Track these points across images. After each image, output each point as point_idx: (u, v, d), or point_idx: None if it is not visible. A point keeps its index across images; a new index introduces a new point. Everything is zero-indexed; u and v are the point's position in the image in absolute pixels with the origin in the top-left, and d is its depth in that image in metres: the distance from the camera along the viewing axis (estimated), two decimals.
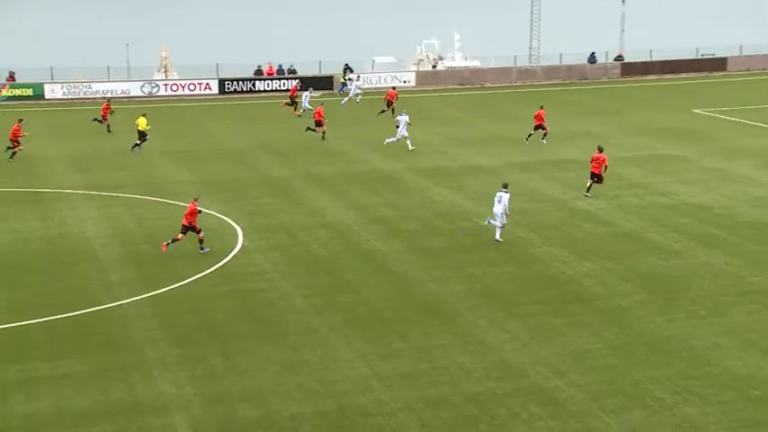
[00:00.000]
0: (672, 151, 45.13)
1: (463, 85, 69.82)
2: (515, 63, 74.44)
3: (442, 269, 28.11)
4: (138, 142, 46.44)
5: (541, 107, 47.76)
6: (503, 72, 73.18)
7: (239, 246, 30.61)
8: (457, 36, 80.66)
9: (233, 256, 29.48)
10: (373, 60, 73.84)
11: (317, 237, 31.63)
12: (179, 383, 20.64)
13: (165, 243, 29.51)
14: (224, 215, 34.31)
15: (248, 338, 23.03)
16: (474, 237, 31.53)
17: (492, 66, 75.82)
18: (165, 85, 66.69)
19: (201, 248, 29.51)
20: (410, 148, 45.42)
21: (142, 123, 46.42)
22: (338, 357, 21.96)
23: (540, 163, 42.92)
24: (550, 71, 73.66)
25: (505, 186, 30.61)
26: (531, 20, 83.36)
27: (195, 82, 66.67)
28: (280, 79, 67.96)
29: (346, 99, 62.66)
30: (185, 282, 27.07)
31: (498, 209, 30.30)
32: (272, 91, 67.29)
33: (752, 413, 19.04)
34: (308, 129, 49.22)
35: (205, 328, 23.66)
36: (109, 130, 50.84)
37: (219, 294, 26.12)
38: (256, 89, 67.37)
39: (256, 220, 33.72)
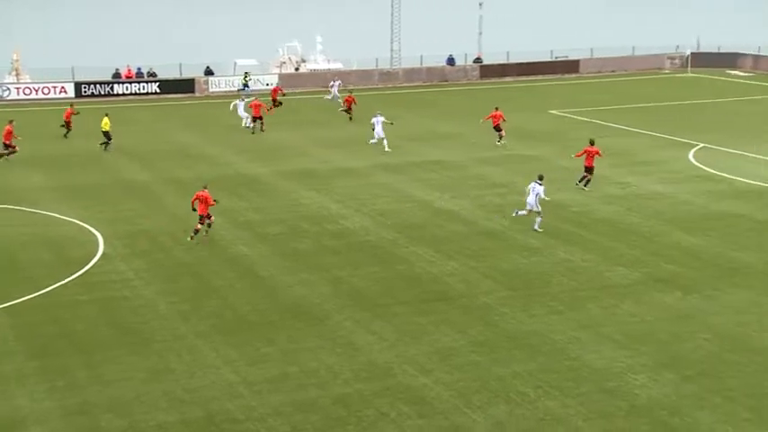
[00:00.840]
0: (530, 151, 46.32)
1: (326, 87, 69.89)
2: (377, 65, 75.02)
3: (309, 272, 28.08)
4: (107, 141, 46.55)
5: (497, 108, 48.09)
6: (365, 74, 73.63)
7: (100, 253, 29.83)
8: (319, 38, 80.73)
9: (94, 264, 28.71)
10: (235, 62, 73.14)
11: (181, 242, 31.11)
12: (37, 396, 19.97)
13: (190, 237, 30.70)
14: (83, 222, 33.37)
15: (112, 348, 22.46)
16: (340, 239, 31.61)
17: (354, 68, 76.20)
18: (17, 88, 64.43)
19: (206, 232, 30.79)
20: (386, 149, 45.41)
21: (105, 124, 46.46)
22: (205, 364, 21.66)
23: (404, 164, 43.38)
24: (411, 73, 74.54)
25: (541, 178, 32.01)
26: (392, 22, 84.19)
27: (50, 85, 64.59)
28: (139, 82, 66.54)
29: (330, 97, 62.58)
30: (44, 291, 26.21)
31: (531, 198, 31.76)
32: (131, 94, 65.81)
33: (607, 404, 19.73)
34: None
35: (65, 339, 22.96)
36: (66, 136, 49.31)
37: (80, 303, 25.38)
38: (115, 92, 65.75)
39: (117, 226, 32.93)
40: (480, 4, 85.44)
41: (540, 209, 31.87)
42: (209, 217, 30.85)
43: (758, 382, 20.49)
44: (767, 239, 30.91)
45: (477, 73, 75.40)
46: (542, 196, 31.72)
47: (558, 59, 79.16)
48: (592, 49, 79.60)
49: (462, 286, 26.92)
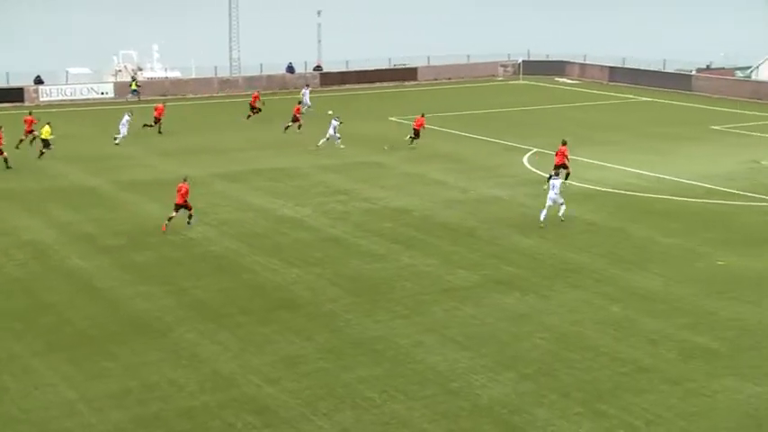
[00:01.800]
0: (373, 158, 46.69)
1: (165, 95, 68.49)
2: (216, 73, 74.11)
3: (150, 284, 27.39)
4: (43, 150, 45.08)
5: (423, 115, 49.54)
6: (205, 82, 72.61)
7: None
8: (155, 47, 79.11)
9: None
10: (67, 71, 70.77)
11: (13, 258, 29.80)
12: None
13: (164, 224, 32.45)
14: None
15: None
16: (182, 250, 30.99)
17: (193, 76, 75.03)
18: None
19: (189, 222, 33.09)
20: (341, 146, 47.58)
21: (46, 132, 44.97)
22: (41, 382, 20.78)
23: (245, 172, 42.96)
24: (252, 81, 73.99)
25: (557, 173, 34.55)
26: (230, 30, 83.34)
27: None
28: None
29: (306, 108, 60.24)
30: None
31: (552, 193, 33.67)
32: None
33: (451, 405, 20.04)
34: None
35: None
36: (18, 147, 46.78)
37: None
38: None
39: None
40: (319, 12, 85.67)
41: (562, 200, 33.83)
42: (188, 208, 33.01)
43: (590, 377, 21.24)
44: (598, 240, 32.12)
45: (317, 80, 75.54)
46: (558, 188, 33.66)
47: (397, 67, 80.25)
48: (429, 57, 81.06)
49: (307, 294, 26.83)
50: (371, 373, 21.47)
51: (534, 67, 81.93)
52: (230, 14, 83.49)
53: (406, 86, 76.77)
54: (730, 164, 43.96)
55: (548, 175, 36.88)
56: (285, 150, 48.34)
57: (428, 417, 19.52)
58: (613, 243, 31.71)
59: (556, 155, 39.84)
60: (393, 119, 59.45)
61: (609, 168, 43.83)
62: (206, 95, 70.33)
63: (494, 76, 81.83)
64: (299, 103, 56.24)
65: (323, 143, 48.08)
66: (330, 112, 51.41)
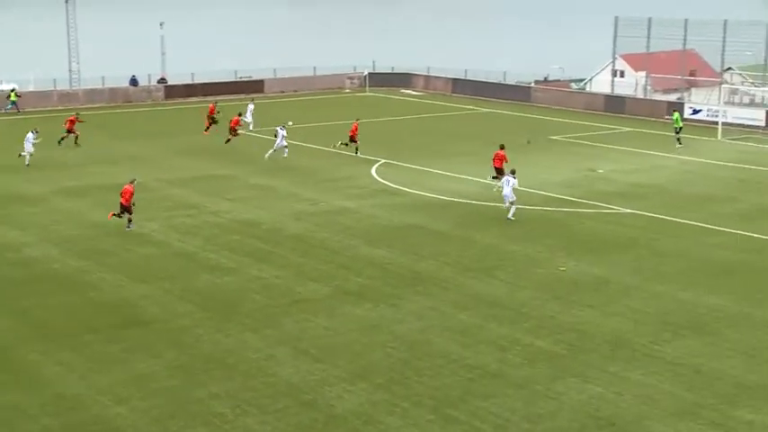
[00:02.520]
0: (220, 170, 46.18)
1: None
2: (55, 86, 71.75)
3: None
4: None
5: (357, 119, 51.20)
6: (43, 95, 70.21)
7: None
8: None
9: None
10: None
11: None
12: None
13: (113, 213, 34.31)
14: None
15: None
16: (24, 269, 29.84)
17: (31, 89, 72.44)
18: None
19: (128, 227, 34.09)
20: (285, 155, 48.06)
21: None
22: None
23: (88, 188, 41.75)
24: (93, 94, 72.00)
25: (513, 173, 36.82)
26: (68, 42, 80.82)
27: None
28: None
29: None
30: None
31: (507, 190, 36.27)
32: None
33: (305, 417, 20.00)
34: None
35: None
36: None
37: None
38: None
39: None
40: (161, 24, 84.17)
41: (515, 198, 36.11)
42: (129, 210, 34.15)
43: (440, 384, 21.60)
44: (445, 249, 32.72)
45: (161, 93, 74.16)
46: (516, 186, 36.42)
47: (243, 79, 79.69)
48: (275, 70, 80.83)
49: (156, 310, 26.28)
50: (223, 389, 21.21)
51: (380, 80, 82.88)
52: (68, 26, 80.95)
53: (250, 99, 76.19)
54: (568, 172, 45.59)
55: (491, 176, 40.21)
56: (127, 164, 47.19)
57: (281, 429, 19.42)
58: (460, 251, 32.37)
59: (494, 159, 41.10)
60: (241, 131, 58.93)
61: (455, 178, 44.74)
62: (46, 108, 67.95)
63: (341, 88, 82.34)
64: (239, 114, 54.72)
65: (271, 154, 47.90)
66: (290, 123, 51.91)
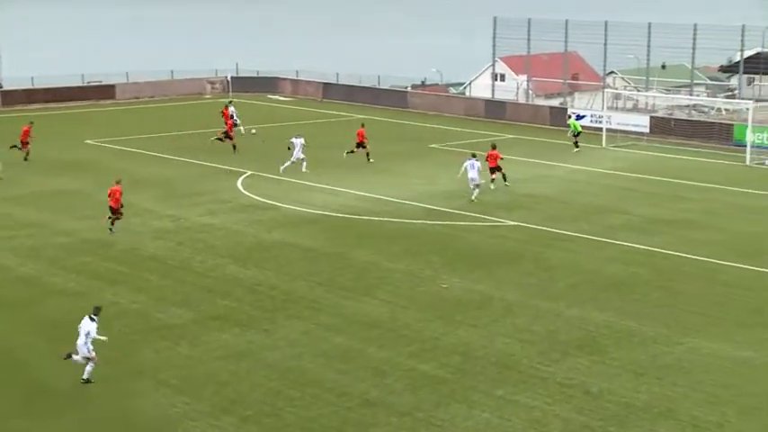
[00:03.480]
0: (69, 185, 45.00)
1: None
2: None
3: None
4: None
5: (362, 125, 52.80)
6: None
7: None
8: None
9: None
10: None
11: None
12: None
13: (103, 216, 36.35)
14: None
15: None
16: None
17: None
18: None
19: (111, 229, 36.03)
20: (304, 170, 47.77)
21: None
22: None
23: None
24: None
25: (474, 155, 42.53)
26: None
27: None
28: None
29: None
30: None
31: (473, 174, 41.57)
32: None
33: None
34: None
35: None
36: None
37: None
38: None
39: None
40: None
41: (480, 181, 40.96)
42: (118, 212, 36.13)
43: (315, 414, 21.50)
44: (318, 267, 32.66)
45: None
46: (479, 168, 41.48)
47: (91, 84, 77.97)
48: (127, 74, 79.41)
49: None
50: (75, 424, 20.58)
51: (245, 84, 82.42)
52: None
53: (102, 105, 74.74)
54: (449, 183, 46.19)
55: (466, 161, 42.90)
56: None
57: None
58: (334, 270, 32.37)
59: (487, 159, 44.47)
60: (90, 141, 57.63)
61: (328, 190, 44.77)
62: None
63: (201, 93, 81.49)
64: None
65: (288, 166, 47.90)
66: (253, 131, 53.60)
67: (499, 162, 44.51)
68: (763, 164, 52.86)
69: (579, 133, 56.48)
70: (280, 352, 25.18)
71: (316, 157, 51.63)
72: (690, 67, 68.34)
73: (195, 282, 31.02)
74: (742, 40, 64.22)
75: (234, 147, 53.59)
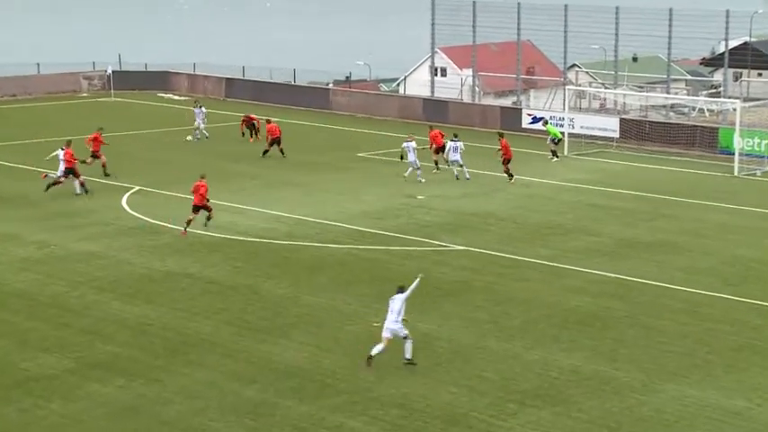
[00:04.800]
0: None
1: None
2: None
3: None
4: None
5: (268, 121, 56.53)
6: None
7: None
8: None
9: None
10: None
11: None
12: None
13: (184, 230, 39.83)
14: None
15: None
16: None
17: None
18: None
19: (206, 223, 40.46)
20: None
21: None
22: None
23: None
24: None
25: (456, 136, 51.05)
26: None
27: None
28: None
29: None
30: None
31: (456, 156, 49.81)
32: None
33: None
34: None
35: None
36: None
37: None
38: None
39: None
40: None
41: (462, 162, 49.91)
42: (207, 209, 40.52)
43: None
44: (224, 303, 32.48)
45: None
46: (463, 149, 50.06)
47: None
48: None
49: None
50: None
51: (129, 80, 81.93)
52: None
53: None
54: (380, 199, 46.28)
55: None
56: None
57: None
58: (244, 306, 32.22)
59: (503, 148, 50.59)
60: None
61: (235, 209, 44.58)
62: None
63: (75, 91, 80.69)
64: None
65: (410, 173, 50.45)
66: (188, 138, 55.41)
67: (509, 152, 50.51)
68: (754, 174, 53.85)
69: (560, 140, 57.18)
70: (176, 407, 24.92)
71: (219, 169, 51.39)
72: (666, 59, 69.37)
73: (71, 322, 30.66)
74: (726, 28, 65.30)
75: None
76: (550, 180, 51.52)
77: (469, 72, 74.41)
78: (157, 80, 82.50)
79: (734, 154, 54.69)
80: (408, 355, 27.25)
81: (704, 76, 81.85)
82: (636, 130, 61.94)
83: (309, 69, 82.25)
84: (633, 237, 41.06)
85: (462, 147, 50.19)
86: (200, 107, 62.67)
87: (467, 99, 73.36)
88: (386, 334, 27.20)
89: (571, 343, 29.45)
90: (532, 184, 50.67)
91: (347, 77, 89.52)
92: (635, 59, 77.35)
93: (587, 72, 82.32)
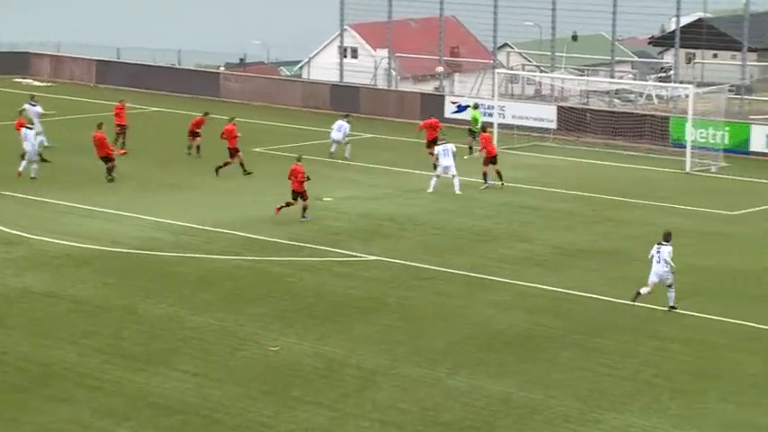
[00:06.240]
0: None
1: None
2: None
3: None
4: None
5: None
6: None
7: None
8: None
9: None
10: None
11: None
12: None
13: (279, 207, 43.33)
14: None
15: None
16: None
17: None
18: None
19: (303, 217, 43.17)
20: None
21: None
22: None
23: None
24: None
25: (347, 116, 54.25)
26: None
27: None
28: None
29: None
30: None
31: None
32: None
33: None
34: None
35: None
36: None
37: None
38: None
39: None
40: None
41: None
42: (304, 197, 43.13)
43: None
44: (90, 327, 32.14)
45: None
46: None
47: None
48: None
49: None
50: None
51: None
52: None
53: None
54: (278, 202, 46.13)
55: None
56: None
57: None
58: (117, 329, 32.03)
59: (485, 142, 50.29)
60: None
61: (107, 215, 44.30)
62: None
63: None
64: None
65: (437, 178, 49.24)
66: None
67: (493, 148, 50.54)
68: (708, 170, 54.56)
69: (477, 133, 55.42)
70: None
71: (82, 172, 50.99)
72: (610, 38, 70.05)
73: None
74: (678, 3, 66.11)
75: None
76: (477, 178, 51.56)
77: (384, 53, 74.47)
78: (14, 63, 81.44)
79: (686, 147, 55.28)
80: (672, 303, 33.22)
81: (653, 58, 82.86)
82: (576, 120, 62.38)
83: (196, 50, 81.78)
84: (572, 243, 41.45)
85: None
86: (36, 104, 59.96)
87: (381, 84, 73.38)
88: (653, 278, 33.00)
89: (500, 367, 29.61)
90: (455, 185, 50.80)
91: (241, 60, 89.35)
92: (575, 39, 78.08)
93: (520, 53, 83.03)
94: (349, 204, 46.44)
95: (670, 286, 33.28)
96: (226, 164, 51.05)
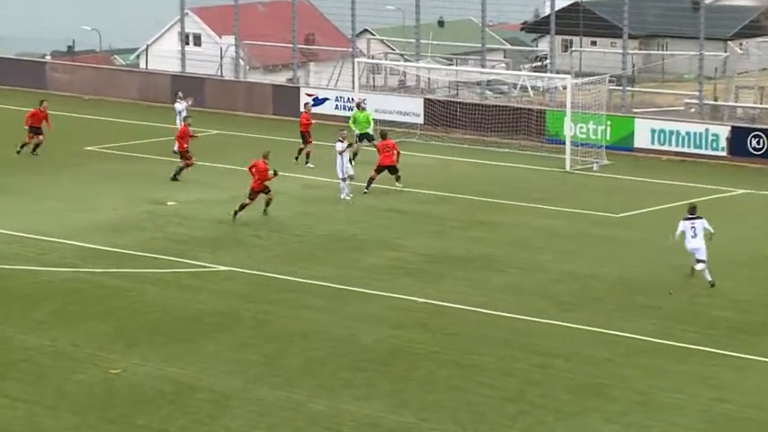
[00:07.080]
0: None
1: None
2: None
3: None
4: None
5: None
6: None
7: None
8: None
9: None
10: None
11: None
12: None
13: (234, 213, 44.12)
14: None
15: None
16: None
17: None
18: None
19: (265, 212, 45.03)
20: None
21: None
22: None
23: None
24: None
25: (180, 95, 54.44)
26: None
27: None
28: None
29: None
30: None
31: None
32: None
33: None
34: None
35: None
36: None
37: None
38: None
39: None
40: None
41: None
42: (266, 191, 44.69)
43: None
44: None
45: None
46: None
47: None
48: None
49: None
50: None
51: None
52: None
53: None
54: (121, 207, 45.77)
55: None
56: None
57: None
58: None
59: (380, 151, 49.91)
60: None
61: None
62: None
63: None
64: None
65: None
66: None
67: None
68: (590, 168, 55.17)
69: (372, 137, 54.86)
70: None
71: None
72: (479, 24, 70.53)
73: None
74: None
75: None
76: (335, 179, 51.38)
77: (231, 40, 74.25)
78: None
79: (565, 143, 55.80)
80: (709, 278, 36.18)
81: (527, 46, 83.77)
82: (444, 114, 62.55)
83: (18, 37, 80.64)
84: (443, 250, 41.68)
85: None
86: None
87: (228, 75, 73.27)
88: (698, 255, 36.07)
89: (368, 388, 29.63)
90: (317, 185, 50.82)
91: (69, 48, 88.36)
92: (441, 24, 78.72)
93: (382, 40, 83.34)
94: (197, 209, 46.16)
95: (699, 261, 36.18)
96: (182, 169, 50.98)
